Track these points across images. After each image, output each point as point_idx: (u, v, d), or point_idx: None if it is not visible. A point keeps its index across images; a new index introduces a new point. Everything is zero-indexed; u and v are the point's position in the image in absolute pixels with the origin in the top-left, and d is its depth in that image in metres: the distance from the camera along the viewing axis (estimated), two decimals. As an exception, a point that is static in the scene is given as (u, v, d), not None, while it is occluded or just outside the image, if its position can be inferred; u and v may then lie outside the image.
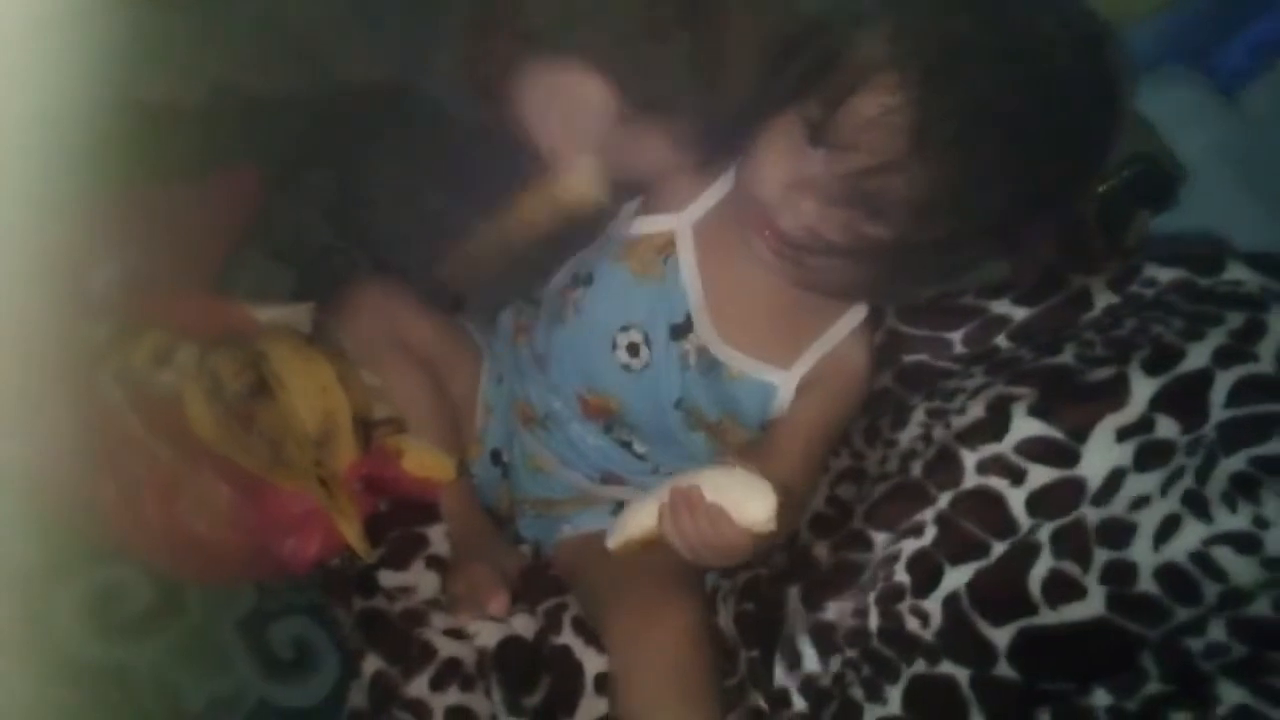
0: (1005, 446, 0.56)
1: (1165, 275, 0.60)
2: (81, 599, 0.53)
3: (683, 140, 0.64)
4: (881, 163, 0.50)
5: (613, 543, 0.52)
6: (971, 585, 0.55)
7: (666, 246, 0.62)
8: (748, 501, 0.47)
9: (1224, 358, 0.53)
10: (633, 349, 0.62)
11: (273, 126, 0.69)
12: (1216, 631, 0.49)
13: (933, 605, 0.56)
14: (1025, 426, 0.56)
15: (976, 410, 0.58)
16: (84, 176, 0.59)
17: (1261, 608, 0.48)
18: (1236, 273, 0.58)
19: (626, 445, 0.66)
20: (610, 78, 0.77)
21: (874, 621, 0.57)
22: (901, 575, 0.57)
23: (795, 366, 0.61)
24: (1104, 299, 0.61)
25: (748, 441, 0.63)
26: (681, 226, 0.62)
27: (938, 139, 0.49)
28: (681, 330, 0.62)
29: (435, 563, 0.67)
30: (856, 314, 0.62)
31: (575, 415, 0.66)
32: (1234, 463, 0.51)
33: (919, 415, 0.62)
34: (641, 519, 0.50)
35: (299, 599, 0.62)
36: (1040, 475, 0.55)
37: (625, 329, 0.62)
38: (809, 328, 0.62)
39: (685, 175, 0.63)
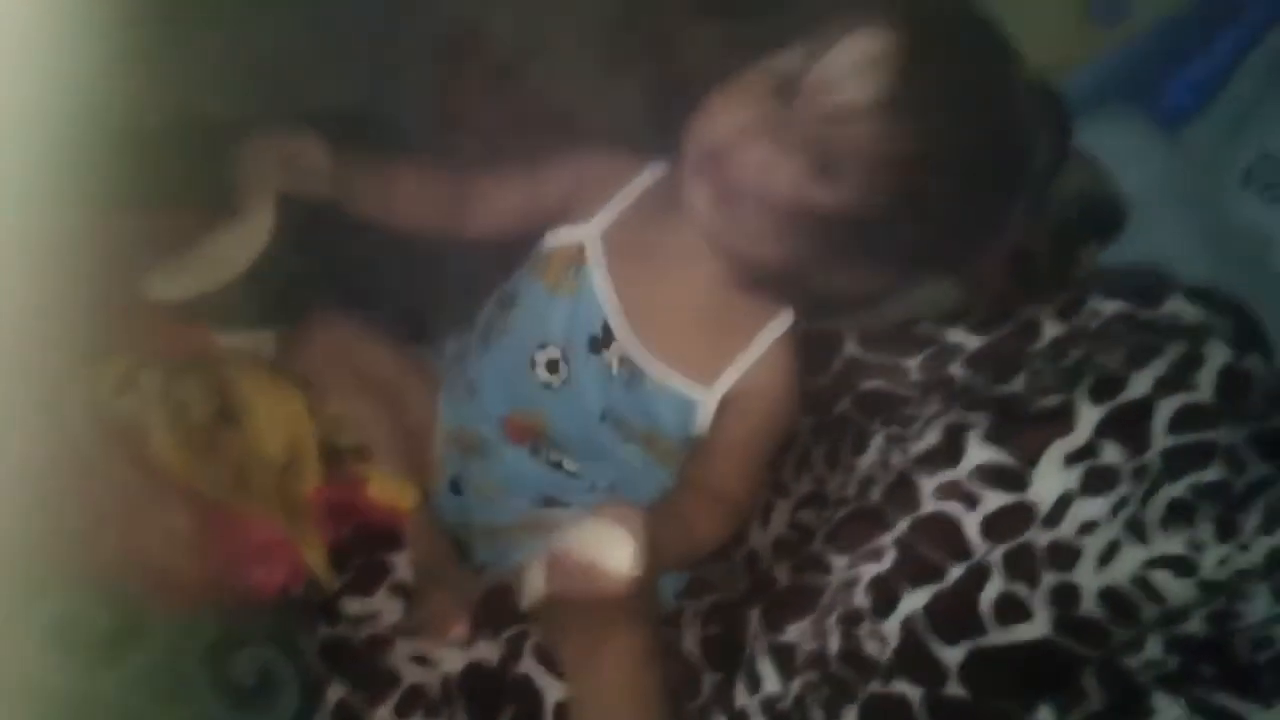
0: (960, 472, 0.58)
1: (1109, 307, 0.62)
2: (43, 626, 0.52)
3: (627, 161, 0.65)
4: (853, 107, 0.51)
5: (524, 604, 0.54)
6: (928, 608, 0.57)
7: (577, 258, 0.62)
8: (608, 553, 0.50)
9: (1165, 386, 0.56)
10: (552, 366, 0.62)
11: (232, 153, 0.69)
12: (1154, 648, 0.51)
13: (890, 628, 0.57)
14: (979, 453, 0.57)
15: (933, 437, 0.60)
16: (47, 200, 0.59)
17: (1195, 625, 0.50)
18: (1176, 305, 0.60)
19: (557, 465, 0.66)
20: (576, 107, 0.78)
21: (834, 644, 0.58)
22: (861, 599, 0.58)
23: (716, 385, 0.61)
24: (1052, 329, 0.63)
25: (685, 456, 0.63)
26: (590, 236, 0.62)
27: (912, 97, 0.51)
28: (601, 342, 0.62)
29: (399, 590, 0.67)
30: (778, 327, 0.62)
31: (503, 440, 0.66)
32: (1175, 489, 0.53)
33: (877, 441, 0.64)
34: (535, 582, 0.53)
35: (261, 627, 0.62)
36: (994, 500, 0.57)
37: (543, 346, 0.63)
38: (730, 343, 0.62)
39: (595, 186, 0.63)
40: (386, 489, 0.66)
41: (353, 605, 0.66)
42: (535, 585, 0.53)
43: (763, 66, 0.54)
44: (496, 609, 0.67)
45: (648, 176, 0.64)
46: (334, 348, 0.69)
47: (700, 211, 0.56)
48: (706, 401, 0.62)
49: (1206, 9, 0.77)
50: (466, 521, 0.72)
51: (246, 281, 0.67)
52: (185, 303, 0.63)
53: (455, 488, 0.72)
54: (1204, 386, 0.55)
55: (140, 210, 0.66)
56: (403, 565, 0.68)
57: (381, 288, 0.78)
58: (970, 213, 0.55)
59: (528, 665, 0.63)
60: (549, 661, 0.63)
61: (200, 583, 0.59)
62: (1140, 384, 0.56)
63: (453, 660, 0.64)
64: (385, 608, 0.66)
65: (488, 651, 0.64)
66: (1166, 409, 0.55)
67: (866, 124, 0.51)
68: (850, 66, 0.52)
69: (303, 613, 0.65)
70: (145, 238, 0.65)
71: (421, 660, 0.63)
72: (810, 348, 0.65)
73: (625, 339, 0.61)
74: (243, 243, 0.63)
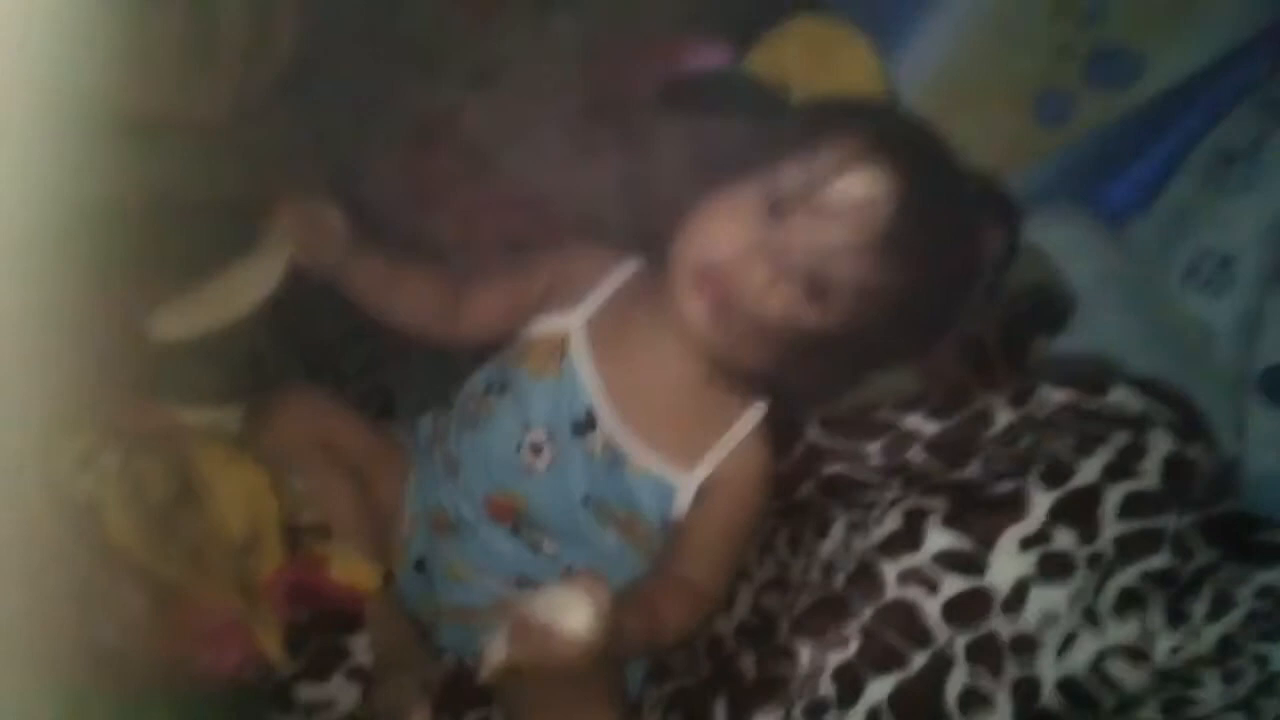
0: (921, 558, 0.58)
1: (1057, 396, 0.64)
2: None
3: (607, 255, 0.67)
4: (856, 242, 0.54)
5: (483, 675, 0.54)
6: (892, 697, 0.57)
7: (561, 345, 0.64)
8: (565, 616, 0.50)
9: (1112, 474, 0.58)
10: (536, 449, 0.63)
11: (212, 231, 0.69)
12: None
13: (856, 718, 0.57)
14: (938, 538, 0.58)
15: (893, 522, 0.61)
16: (16, 276, 0.59)
17: (1150, 712, 0.50)
18: (1120, 395, 0.63)
19: (536, 546, 0.66)
20: (547, 195, 0.80)
21: (799, 735, 0.58)
22: (826, 688, 0.58)
23: (695, 471, 0.63)
24: (1004, 416, 0.65)
25: (660, 542, 0.64)
26: (574, 324, 0.64)
27: (901, 236, 0.54)
28: (585, 426, 0.63)
29: (357, 674, 0.66)
30: (754, 415, 0.64)
31: (483, 519, 0.66)
32: (1126, 577, 0.54)
33: (839, 526, 0.64)
34: (497, 649, 0.53)
35: (211, 715, 0.60)
36: (953, 585, 0.58)
37: (528, 429, 0.64)
38: (708, 430, 0.63)
39: (577, 279, 0.66)
40: (349, 569, 0.65)
41: (307, 691, 0.65)
42: (497, 652, 0.52)
43: (757, 183, 0.57)
44: (457, 694, 0.66)
45: (628, 268, 0.66)
46: (302, 422, 0.69)
47: (696, 323, 0.59)
48: (685, 487, 0.63)
49: (1146, 115, 0.82)
50: (431, 603, 0.71)
51: (215, 355, 0.67)
52: (190, 340, 0.62)
53: (420, 568, 0.71)
54: (1149, 474, 0.57)
55: (112, 288, 0.66)
56: (361, 648, 0.67)
57: (350, 363, 0.78)
58: (934, 316, 0.58)
59: (489, 752, 0.62)
60: (510, 749, 0.62)
61: (151, 666, 0.57)
62: (1088, 471, 0.58)
63: (410, 748, 0.62)
64: (341, 694, 0.65)
65: (446, 739, 0.63)
66: (1115, 495, 0.57)
67: (859, 259, 0.55)
68: (846, 206, 0.55)
69: (254, 700, 0.63)
70: (114, 315, 0.65)
71: (378, 748, 0.62)
72: (773, 433, 0.66)
73: (609, 424, 0.62)
74: (253, 281, 0.63)
